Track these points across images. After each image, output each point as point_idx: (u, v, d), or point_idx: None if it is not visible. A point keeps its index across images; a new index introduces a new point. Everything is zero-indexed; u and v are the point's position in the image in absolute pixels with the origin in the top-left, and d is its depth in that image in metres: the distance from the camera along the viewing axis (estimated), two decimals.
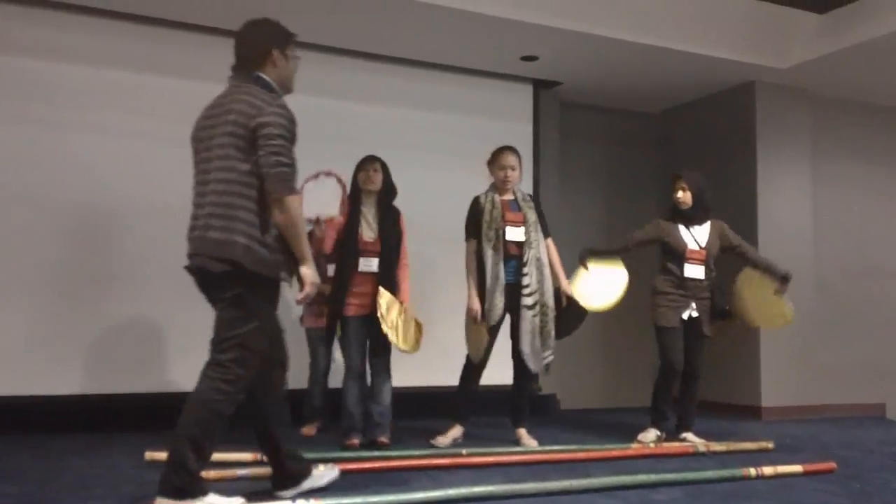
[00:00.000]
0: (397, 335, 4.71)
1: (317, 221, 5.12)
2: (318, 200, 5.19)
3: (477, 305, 5.03)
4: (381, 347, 4.82)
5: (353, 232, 4.86)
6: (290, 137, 3.19)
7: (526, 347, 5.02)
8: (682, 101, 7.89)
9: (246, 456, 4.17)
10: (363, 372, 4.85)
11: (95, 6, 5.59)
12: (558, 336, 5.15)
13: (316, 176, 5.36)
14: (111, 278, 5.54)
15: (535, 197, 5.43)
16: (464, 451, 4.52)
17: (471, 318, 5.06)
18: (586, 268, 5.47)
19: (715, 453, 4.93)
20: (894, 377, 7.77)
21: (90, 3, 5.57)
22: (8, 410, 5.14)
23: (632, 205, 8.11)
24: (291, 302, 5.55)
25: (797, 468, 4.34)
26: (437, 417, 5.33)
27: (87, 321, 5.46)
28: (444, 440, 5.05)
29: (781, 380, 6.90)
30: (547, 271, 5.12)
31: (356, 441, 4.76)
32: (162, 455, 4.08)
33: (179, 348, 5.65)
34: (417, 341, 4.88)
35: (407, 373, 5.27)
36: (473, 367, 5.13)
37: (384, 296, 4.70)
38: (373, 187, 4.92)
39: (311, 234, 4.89)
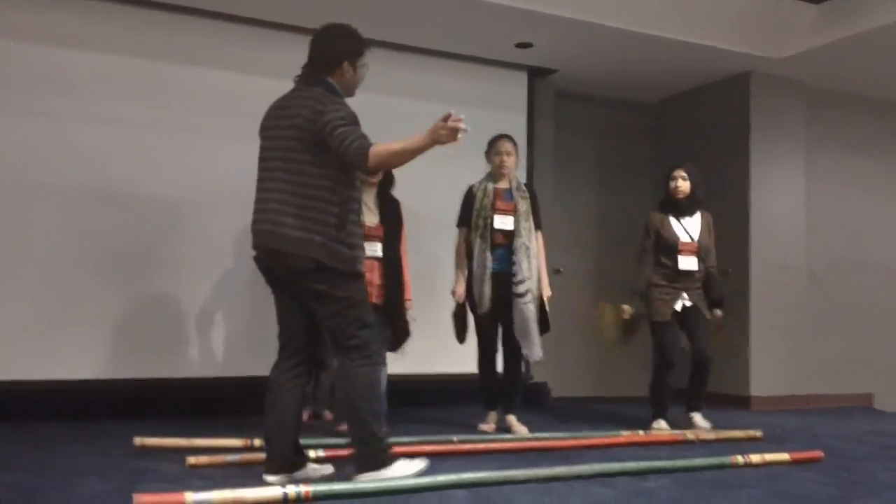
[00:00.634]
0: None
1: None
2: None
3: (460, 290, 5.12)
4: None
5: None
6: (350, 120, 3.36)
7: (522, 336, 5.04)
8: (677, 91, 7.88)
9: (236, 442, 4.18)
10: None
11: None
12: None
13: None
14: (109, 267, 5.53)
15: (531, 187, 5.43)
16: (454, 438, 4.54)
17: (456, 302, 5.17)
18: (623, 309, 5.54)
19: (704, 442, 4.96)
20: (882, 368, 7.81)
21: None
22: None
23: (626, 195, 8.11)
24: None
25: (785, 456, 4.36)
26: (435, 406, 5.35)
27: (78, 310, 5.44)
28: (485, 427, 5.16)
29: (771, 370, 6.93)
30: (535, 261, 5.13)
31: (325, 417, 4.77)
32: (152, 441, 4.12)
33: (171, 336, 5.68)
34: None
35: (405, 361, 5.27)
36: (483, 356, 5.22)
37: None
38: (375, 179, 4.93)
39: None
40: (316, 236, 3.31)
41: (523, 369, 5.40)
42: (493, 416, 5.24)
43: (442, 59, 6.72)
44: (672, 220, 5.49)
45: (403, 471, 3.43)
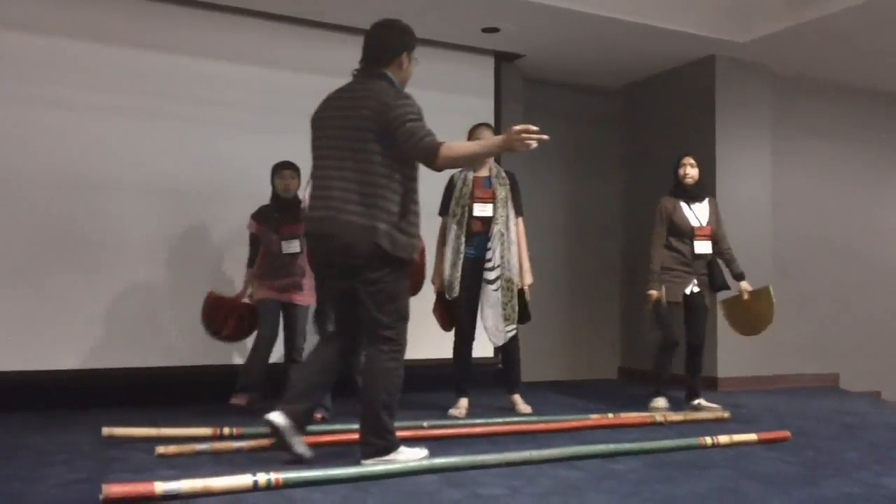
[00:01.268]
0: None
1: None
2: None
3: (439, 279, 5.25)
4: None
5: None
6: (418, 116, 3.48)
7: (488, 322, 5.16)
8: (643, 76, 7.91)
9: (205, 431, 4.16)
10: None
11: None
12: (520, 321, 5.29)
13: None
14: (72, 258, 5.49)
15: (512, 175, 5.48)
16: (425, 424, 4.54)
17: (436, 292, 5.27)
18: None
19: (672, 423, 5.01)
20: (848, 349, 7.93)
21: None
22: None
23: (596, 179, 8.17)
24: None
25: (752, 437, 4.41)
26: (404, 392, 5.33)
27: (45, 300, 5.40)
28: (456, 412, 5.22)
29: (737, 351, 6.98)
30: (514, 248, 5.22)
31: (318, 415, 4.76)
32: (121, 431, 4.08)
33: (139, 326, 5.64)
34: None
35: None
36: (461, 343, 5.31)
37: None
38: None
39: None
40: (380, 224, 3.43)
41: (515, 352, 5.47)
42: (464, 402, 5.28)
43: None
44: (683, 205, 5.61)
45: (407, 457, 3.55)
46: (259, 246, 5.39)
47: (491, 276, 5.13)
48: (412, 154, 3.46)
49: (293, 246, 5.27)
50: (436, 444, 4.08)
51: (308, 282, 5.24)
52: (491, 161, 5.34)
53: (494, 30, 6.57)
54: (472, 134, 5.27)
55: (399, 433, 3.93)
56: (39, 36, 5.50)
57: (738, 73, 7.30)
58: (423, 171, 3.58)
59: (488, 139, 3.47)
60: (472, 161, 3.41)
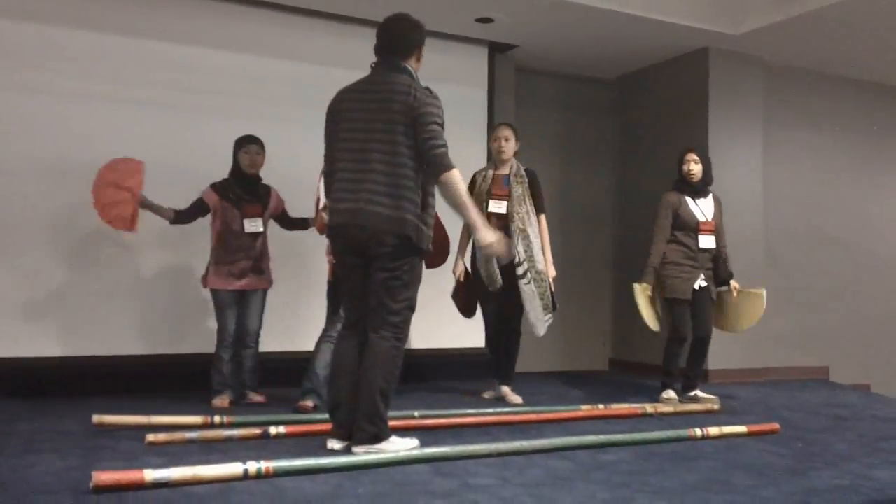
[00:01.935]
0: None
1: (325, 207, 5.12)
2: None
3: (458, 269, 5.49)
4: None
5: None
6: (442, 123, 3.59)
7: (531, 315, 5.31)
8: (637, 67, 7.90)
9: (195, 419, 4.16)
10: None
11: None
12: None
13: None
14: (64, 245, 5.48)
15: (532, 172, 5.56)
16: (416, 413, 4.54)
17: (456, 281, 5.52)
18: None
19: (663, 415, 5.01)
20: (838, 341, 7.95)
21: None
22: None
23: (588, 170, 8.16)
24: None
25: (742, 429, 4.43)
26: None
27: (33, 286, 5.39)
28: (487, 396, 5.60)
29: (728, 343, 6.98)
30: (537, 242, 5.35)
31: (310, 404, 4.75)
32: (111, 419, 4.07)
33: (128, 313, 5.62)
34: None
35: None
36: (495, 334, 5.56)
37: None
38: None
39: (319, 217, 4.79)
40: (408, 215, 3.53)
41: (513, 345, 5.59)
42: (504, 389, 5.52)
43: None
44: (688, 200, 5.65)
45: (397, 446, 3.57)
46: (199, 213, 5.14)
47: (520, 270, 5.26)
48: (424, 157, 3.53)
49: (256, 224, 5.11)
50: (427, 434, 4.09)
51: (268, 264, 5.22)
52: (512, 158, 5.48)
53: (488, 20, 6.55)
54: (492, 131, 5.61)
55: (391, 423, 3.94)
56: (28, 23, 5.47)
57: (731, 65, 7.29)
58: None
59: (478, 217, 3.61)
60: (454, 204, 3.51)
